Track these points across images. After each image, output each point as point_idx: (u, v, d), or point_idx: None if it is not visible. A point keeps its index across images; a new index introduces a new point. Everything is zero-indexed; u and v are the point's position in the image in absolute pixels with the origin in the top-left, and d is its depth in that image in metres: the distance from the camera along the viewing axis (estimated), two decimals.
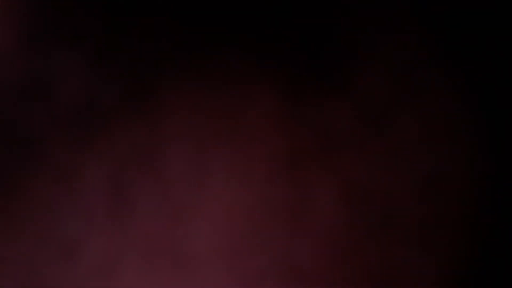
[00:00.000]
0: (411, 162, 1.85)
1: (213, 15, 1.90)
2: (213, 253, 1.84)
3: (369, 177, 1.85)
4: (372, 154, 1.86)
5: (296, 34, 1.89)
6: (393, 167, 1.85)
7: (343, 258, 1.83)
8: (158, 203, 1.85)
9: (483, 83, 1.87)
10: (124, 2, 1.89)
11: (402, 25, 1.88)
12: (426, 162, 1.85)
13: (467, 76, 1.88)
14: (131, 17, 1.89)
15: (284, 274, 1.84)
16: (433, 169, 1.85)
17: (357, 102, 1.87)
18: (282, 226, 1.85)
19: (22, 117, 1.86)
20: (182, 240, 1.85)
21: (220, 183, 1.85)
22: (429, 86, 1.87)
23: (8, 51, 1.86)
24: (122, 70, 1.89)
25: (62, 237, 1.84)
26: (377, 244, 1.84)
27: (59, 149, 1.86)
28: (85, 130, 1.87)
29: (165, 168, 1.86)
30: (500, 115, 1.86)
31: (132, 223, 1.85)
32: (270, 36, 1.89)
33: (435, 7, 1.88)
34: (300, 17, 1.89)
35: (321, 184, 1.85)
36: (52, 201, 1.85)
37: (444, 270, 1.83)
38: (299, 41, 1.89)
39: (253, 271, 1.84)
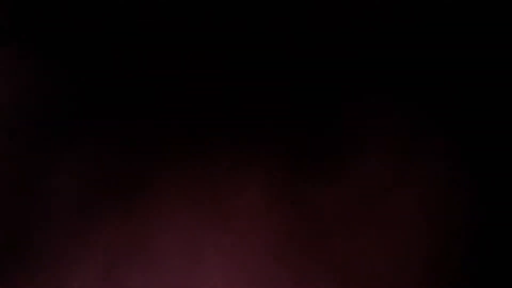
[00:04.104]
0: (408, 246, 1.83)
1: (204, 95, 1.89)
2: None
3: (365, 261, 1.83)
4: (368, 238, 1.84)
5: (293, 116, 1.88)
6: (389, 251, 1.83)
7: None
8: None
9: (483, 165, 1.86)
10: (110, 85, 1.89)
11: (400, 111, 1.88)
12: (424, 245, 1.83)
13: (466, 156, 1.87)
14: (115, 104, 1.88)
15: None
16: (430, 252, 1.83)
17: (354, 185, 1.86)
18: None
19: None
20: None
21: (213, 269, 1.83)
22: (427, 170, 1.86)
23: None
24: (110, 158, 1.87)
25: None
26: None
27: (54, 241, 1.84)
28: (78, 222, 1.85)
29: (157, 257, 1.84)
30: (502, 193, 1.85)
31: None
32: (265, 118, 1.88)
33: (433, 91, 1.88)
34: (298, 100, 1.89)
35: (316, 269, 1.83)
36: None
37: None
38: (295, 124, 1.88)
39: None
